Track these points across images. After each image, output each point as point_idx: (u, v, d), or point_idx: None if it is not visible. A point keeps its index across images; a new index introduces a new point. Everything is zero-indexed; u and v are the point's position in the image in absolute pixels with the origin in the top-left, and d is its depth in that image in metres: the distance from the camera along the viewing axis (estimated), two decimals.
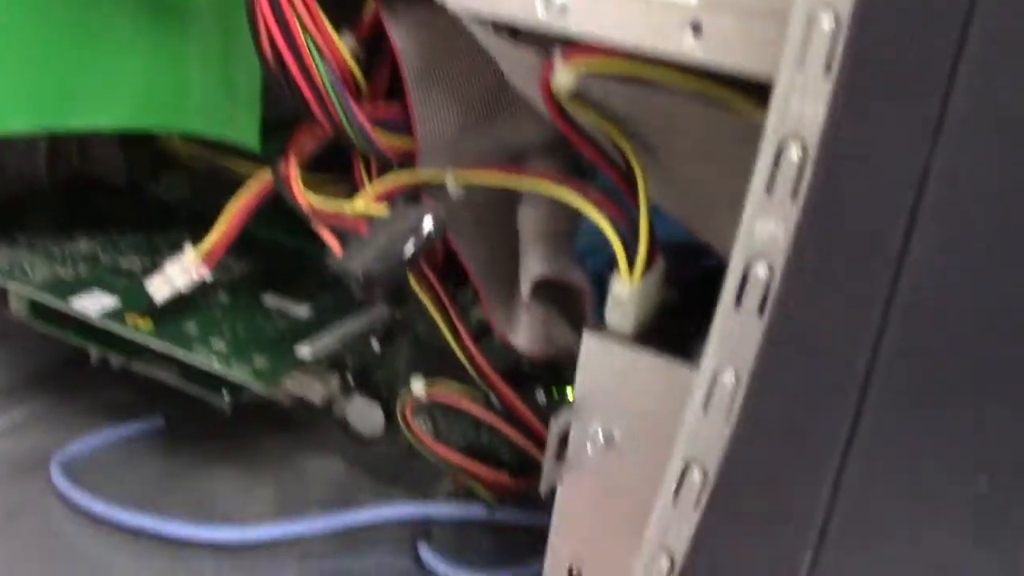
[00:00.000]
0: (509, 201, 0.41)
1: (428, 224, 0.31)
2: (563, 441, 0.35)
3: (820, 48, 0.23)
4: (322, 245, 0.40)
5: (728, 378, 0.26)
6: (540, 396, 0.51)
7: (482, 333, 0.49)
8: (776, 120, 0.24)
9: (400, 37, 0.37)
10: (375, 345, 0.54)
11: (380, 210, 0.34)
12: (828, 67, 0.23)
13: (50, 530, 0.50)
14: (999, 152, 0.21)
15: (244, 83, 0.43)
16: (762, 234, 0.25)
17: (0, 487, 0.53)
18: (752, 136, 0.29)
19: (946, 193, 0.22)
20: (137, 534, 0.50)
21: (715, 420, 0.27)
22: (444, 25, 0.35)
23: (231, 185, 0.56)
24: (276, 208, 0.44)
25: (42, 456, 0.55)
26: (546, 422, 0.47)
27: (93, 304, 0.47)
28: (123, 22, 0.43)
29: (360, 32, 0.40)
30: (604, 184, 0.36)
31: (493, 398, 0.47)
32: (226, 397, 0.49)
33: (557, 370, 0.51)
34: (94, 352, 0.54)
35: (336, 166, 0.45)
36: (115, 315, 0.47)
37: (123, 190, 0.59)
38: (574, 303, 0.42)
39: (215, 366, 0.44)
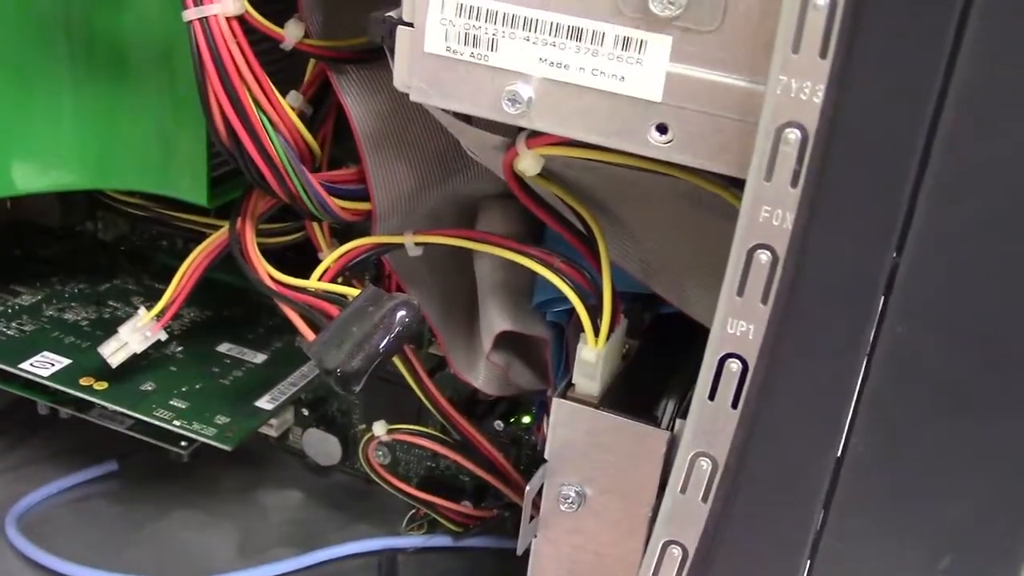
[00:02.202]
0: (465, 252, 0.42)
1: (402, 316, 0.32)
2: (537, 500, 0.36)
3: (788, 161, 0.24)
4: None
5: (704, 463, 0.27)
6: (497, 424, 0.52)
7: (438, 366, 0.50)
8: (745, 227, 0.25)
9: (353, 103, 0.37)
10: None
11: (348, 290, 0.34)
12: (795, 180, 0.24)
13: None
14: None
15: (188, 141, 0.43)
16: (734, 331, 0.26)
17: None
18: (711, 201, 0.30)
19: (905, 294, 0.24)
20: None
21: (693, 501, 0.28)
22: (396, 89, 0.35)
23: (169, 223, 0.55)
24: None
25: None
26: (503, 450, 0.49)
27: (44, 367, 0.46)
28: (59, 90, 0.42)
29: (305, 91, 0.40)
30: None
31: (451, 429, 0.48)
32: (184, 448, 0.48)
33: (513, 399, 0.52)
34: (42, 404, 0.53)
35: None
36: (68, 376, 0.46)
37: (59, 232, 0.58)
38: (532, 347, 0.43)
39: (176, 427, 0.44)
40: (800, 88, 0.23)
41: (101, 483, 0.56)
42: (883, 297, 0.24)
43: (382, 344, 0.31)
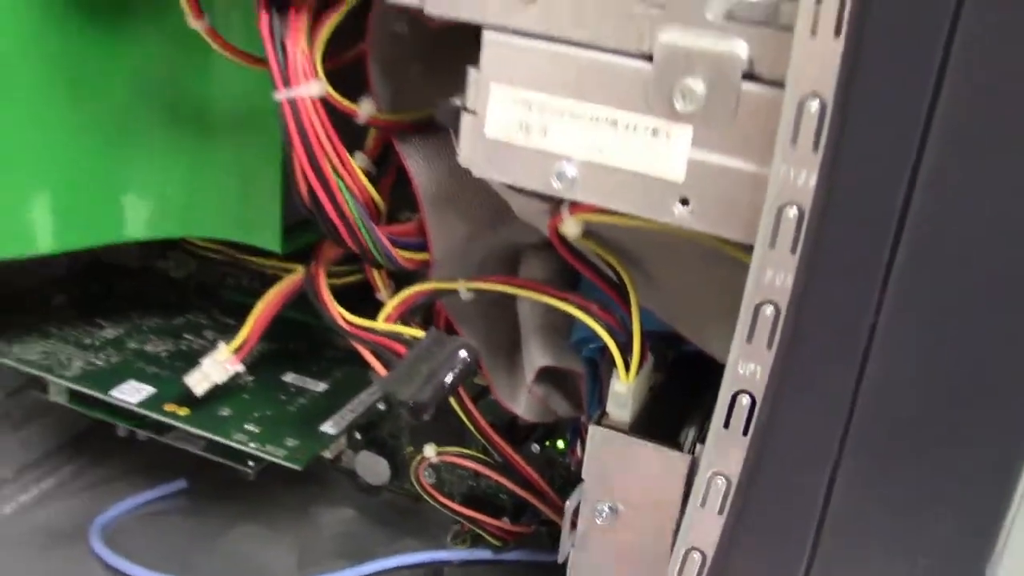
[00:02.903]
0: (509, 295, 0.47)
1: (464, 356, 0.37)
2: (575, 515, 0.41)
3: (788, 233, 0.29)
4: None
5: (720, 481, 0.33)
6: (534, 447, 0.57)
7: (480, 394, 0.55)
8: (752, 286, 0.30)
9: (415, 167, 0.43)
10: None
11: (411, 331, 0.40)
12: (794, 248, 0.29)
13: None
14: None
15: (265, 196, 0.48)
16: (745, 372, 0.31)
17: (40, 555, 0.58)
18: (727, 256, 0.35)
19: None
20: None
21: (710, 513, 0.33)
22: (453, 155, 0.41)
23: (239, 264, 0.61)
24: None
25: (75, 524, 0.60)
26: (539, 470, 0.54)
27: (132, 395, 0.52)
28: (153, 149, 0.48)
29: (371, 152, 0.45)
30: None
31: (492, 452, 0.53)
32: (251, 467, 0.54)
33: (548, 424, 0.57)
34: (123, 427, 0.59)
35: None
36: (153, 403, 0.52)
37: (136, 271, 0.64)
38: (569, 380, 0.48)
39: (253, 449, 0.50)
40: (797, 174, 0.29)
41: (172, 499, 0.62)
42: (866, 346, 0.29)
43: (447, 379, 0.37)
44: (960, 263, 0.27)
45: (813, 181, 0.28)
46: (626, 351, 0.40)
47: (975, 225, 0.27)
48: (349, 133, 0.43)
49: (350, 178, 0.41)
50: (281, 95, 0.39)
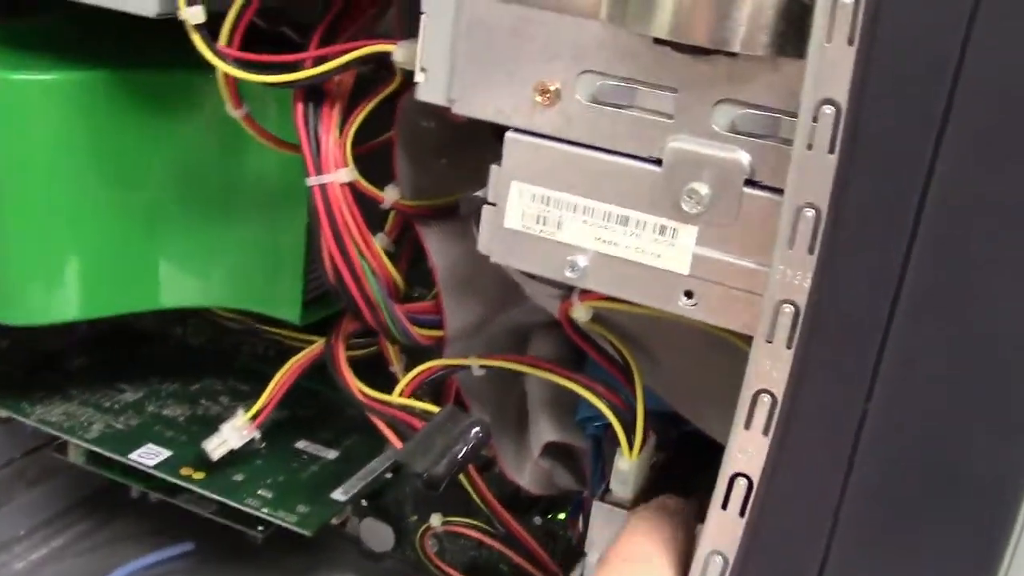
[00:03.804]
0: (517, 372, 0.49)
1: (477, 432, 0.39)
2: None
3: (784, 328, 0.32)
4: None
5: (718, 560, 0.34)
6: (536, 519, 0.58)
7: (485, 466, 0.57)
8: (751, 375, 0.32)
9: (434, 250, 0.45)
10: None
11: (426, 406, 0.42)
12: (789, 343, 0.31)
13: None
14: None
15: (287, 268, 0.51)
16: (742, 456, 0.33)
17: None
18: (726, 343, 0.37)
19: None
20: None
21: None
22: (469, 240, 0.43)
23: (256, 333, 0.63)
24: None
25: None
26: (541, 543, 0.55)
27: (149, 458, 0.54)
28: (179, 222, 0.50)
29: (390, 233, 0.48)
30: None
31: (495, 522, 0.55)
32: (260, 531, 0.55)
33: (550, 497, 0.59)
34: (136, 488, 0.61)
35: None
36: (169, 467, 0.54)
37: (155, 336, 0.66)
38: (573, 455, 0.50)
39: (265, 514, 0.51)
40: (794, 275, 0.31)
41: (179, 561, 0.63)
42: (856, 434, 0.31)
43: (461, 454, 0.39)
44: (942, 361, 0.30)
45: (808, 281, 0.31)
46: (630, 430, 0.42)
47: (956, 327, 0.30)
48: (369, 212, 0.46)
49: (373, 260, 0.43)
50: (312, 181, 0.42)
